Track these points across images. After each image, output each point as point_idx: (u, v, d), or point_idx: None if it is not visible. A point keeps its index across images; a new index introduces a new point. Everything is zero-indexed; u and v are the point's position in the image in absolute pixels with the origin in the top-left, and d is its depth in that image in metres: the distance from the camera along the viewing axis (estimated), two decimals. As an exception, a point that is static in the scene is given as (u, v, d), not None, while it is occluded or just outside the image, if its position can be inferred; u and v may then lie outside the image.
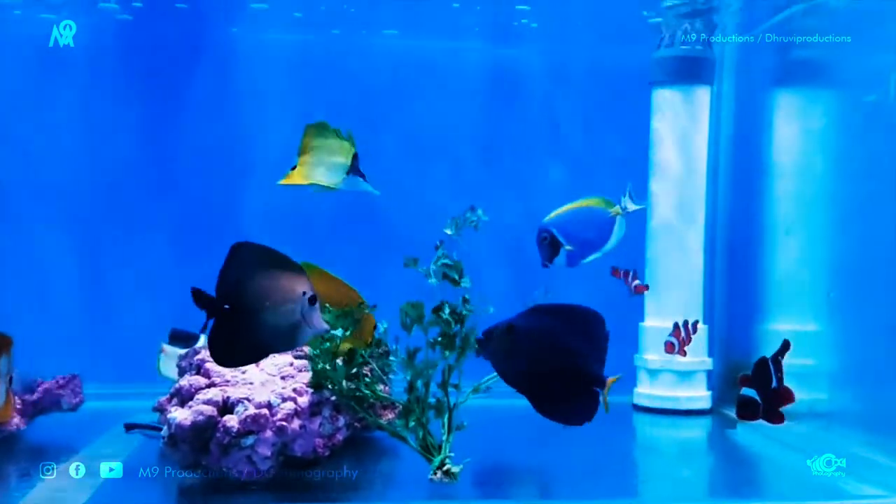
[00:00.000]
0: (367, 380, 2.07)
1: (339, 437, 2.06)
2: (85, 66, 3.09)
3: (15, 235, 3.10)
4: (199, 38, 3.20)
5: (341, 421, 2.07)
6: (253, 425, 1.86)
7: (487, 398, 2.10)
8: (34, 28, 2.76)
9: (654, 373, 2.95)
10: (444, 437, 1.99)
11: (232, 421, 1.86)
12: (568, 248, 2.08)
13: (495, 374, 2.03)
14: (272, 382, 2.04)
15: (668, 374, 2.92)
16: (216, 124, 3.23)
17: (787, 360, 1.80)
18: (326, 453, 2.01)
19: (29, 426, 2.38)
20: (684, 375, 2.91)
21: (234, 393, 1.93)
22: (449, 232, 2.04)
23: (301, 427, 1.94)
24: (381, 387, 2.11)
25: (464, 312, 2.00)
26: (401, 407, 2.02)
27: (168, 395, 2.13)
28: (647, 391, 2.96)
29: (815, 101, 2.71)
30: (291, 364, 2.14)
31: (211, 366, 2.06)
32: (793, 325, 2.67)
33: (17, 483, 1.99)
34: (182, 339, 2.56)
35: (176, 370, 2.31)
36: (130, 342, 2.87)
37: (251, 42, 3.26)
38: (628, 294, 2.28)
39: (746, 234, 2.99)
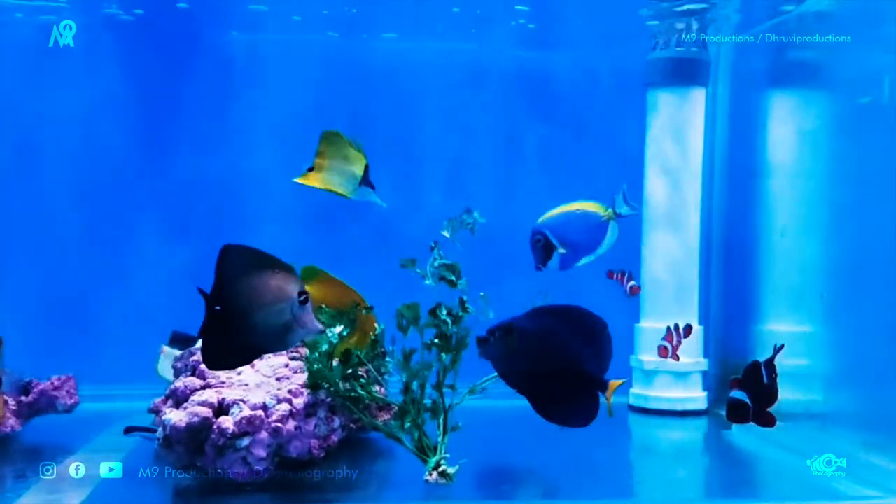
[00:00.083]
0: (363, 381, 2.07)
1: (335, 438, 2.06)
2: (84, 66, 3.09)
3: (13, 235, 3.09)
4: (198, 40, 3.20)
5: (337, 422, 2.07)
6: (248, 426, 1.86)
7: (483, 399, 2.11)
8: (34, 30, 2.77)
9: (649, 374, 2.95)
10: (440, 439, 1.99)
11: (227, 422, 1.85)
12: (561, 250, 2.08)
13: (491, 375, 2.03)
14: (267, 384, 2.04)
15: (663, 376, 2.92)
16: (216, 124, 3.22)
17: (783, 361, 1.81)
18: (322, 454, 2.01)
19: (24, 428, 2.37)
20: (680, 376, 2.92)
21: (229, 394, 1.93)
22: (446, 234, 2.04)
23: (296, 428, 1.94)
24: (377, 388, 2.11)
25: (460, 314, 2.00)
26: (396, 408, 2.03)
27: (163, 397, 2.12)
28: (642, 392, 2.97)
29: (809, 102, 2.71)
30: (287, 365, 2.14)
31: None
32: (788, 326, 2.67)
33: (13, 484, 1.98)
34: (182, 341, 2.55)
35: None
36: (129, 343, 2.87)
37: (251, 42, 3.26)
38: (625, 296, 2.28)
39: (742, 235, 3.00)
